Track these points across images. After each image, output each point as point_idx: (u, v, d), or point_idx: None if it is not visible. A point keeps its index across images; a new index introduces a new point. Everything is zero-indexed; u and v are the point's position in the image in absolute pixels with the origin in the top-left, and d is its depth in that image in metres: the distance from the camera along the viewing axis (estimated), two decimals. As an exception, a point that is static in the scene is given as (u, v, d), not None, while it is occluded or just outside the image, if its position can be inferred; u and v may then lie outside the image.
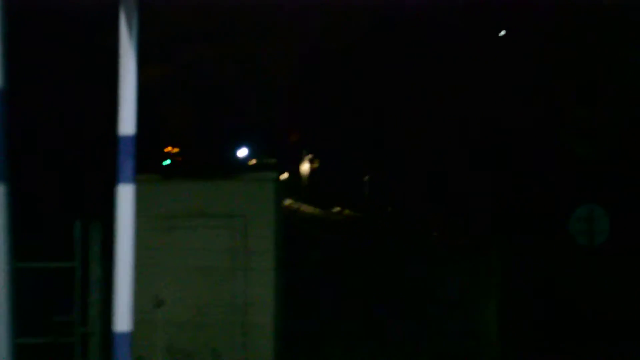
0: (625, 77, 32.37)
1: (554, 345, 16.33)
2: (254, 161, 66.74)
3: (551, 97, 35.26)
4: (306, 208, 53.27)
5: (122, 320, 2.11)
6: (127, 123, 2.16)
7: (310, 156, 63.72)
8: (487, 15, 38.93)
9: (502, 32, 39.45)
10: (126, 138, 2.16)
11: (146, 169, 12.04)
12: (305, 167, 64.41)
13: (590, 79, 32.89)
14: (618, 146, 33.55)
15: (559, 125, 34.41)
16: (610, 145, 33.51)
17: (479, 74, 40.20)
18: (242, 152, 71.44)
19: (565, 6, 32.81)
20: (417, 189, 46.48)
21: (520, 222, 36.01)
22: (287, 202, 42.04)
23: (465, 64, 42.08)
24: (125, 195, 2.16)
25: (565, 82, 33.99)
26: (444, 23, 45.05)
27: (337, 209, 50.94)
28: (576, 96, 33.49)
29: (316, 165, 64.02)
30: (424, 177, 46.42)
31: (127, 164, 2.17)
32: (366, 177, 53.79)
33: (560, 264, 27.17)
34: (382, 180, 47.75)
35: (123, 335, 2.11)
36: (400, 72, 48.77)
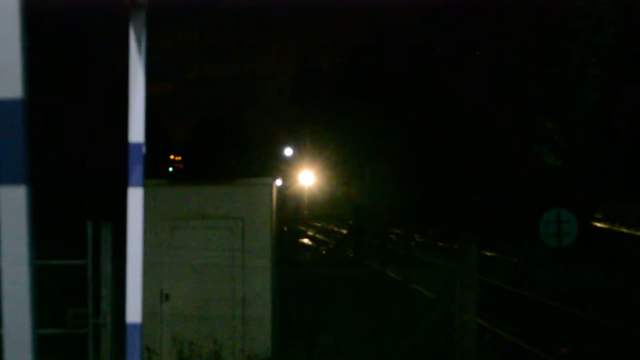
0: (587, 92, 32.46)
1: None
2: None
3: (521, 111, 35.36)
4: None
5: (133, 312, 2.11)
6: (136, 131, 2.16)
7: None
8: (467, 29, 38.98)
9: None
10: (136, 145, 2.16)
11: (153, 175, 12.00)
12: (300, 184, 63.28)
13: (556, 95, 32.98)
14: (582, 155, 33.66)
15: (530, 136, 34.50)
16: (575, 155, 33.61)
17: (457, 83, 40.27)
18: (288, 152, 69.58)
19: (535, 18, 32.86)
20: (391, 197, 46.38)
21: (494, 224, 36.08)
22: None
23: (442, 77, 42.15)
24: (135, 198, 2.14)
25: (535, 99, 34.09)
26: (425, 40, 45.02)
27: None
28: (544, 111, 33.61)
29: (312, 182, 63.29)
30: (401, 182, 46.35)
31: (136, 169, 2.16)
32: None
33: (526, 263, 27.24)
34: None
35: (134, 326, 2.11)
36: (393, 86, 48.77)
